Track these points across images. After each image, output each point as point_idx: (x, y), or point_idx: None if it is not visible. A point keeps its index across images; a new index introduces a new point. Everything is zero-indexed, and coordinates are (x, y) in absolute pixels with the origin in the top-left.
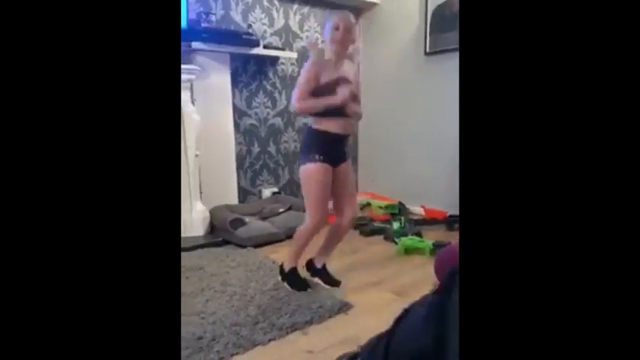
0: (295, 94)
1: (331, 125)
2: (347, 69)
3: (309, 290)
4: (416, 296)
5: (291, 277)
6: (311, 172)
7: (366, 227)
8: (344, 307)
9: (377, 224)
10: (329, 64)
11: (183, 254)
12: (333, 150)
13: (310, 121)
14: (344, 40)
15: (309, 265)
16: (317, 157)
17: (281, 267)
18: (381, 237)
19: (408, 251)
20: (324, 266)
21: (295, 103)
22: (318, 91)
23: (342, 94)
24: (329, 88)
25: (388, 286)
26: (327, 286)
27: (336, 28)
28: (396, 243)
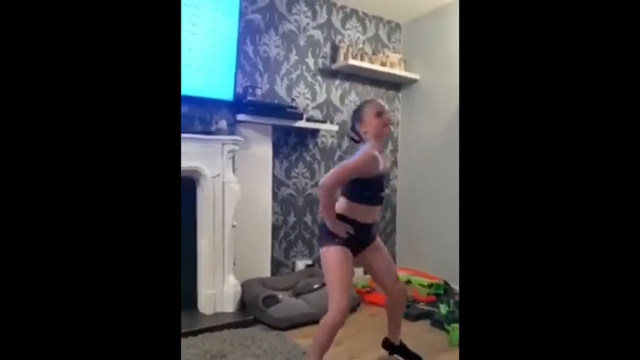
0: (336, 172)
1: (360, 214)
2: (386, 161)
3: None
4: None
5: None
6: (333, 255)
7: (410, 310)
8: None
9: (422, 306)
10: (378, 156)
11: (209, 335)
12: (360, 237)
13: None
14: (388, 127)
15: (386, 344)
16: (337, 240)
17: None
18: (428, 322)
19: None
20: (401, 342)
21: (329, 182)
22: (359, 183)
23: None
24: (369, 184)
25: None
26: None
27: (379, 114)
28: (446, 331)
